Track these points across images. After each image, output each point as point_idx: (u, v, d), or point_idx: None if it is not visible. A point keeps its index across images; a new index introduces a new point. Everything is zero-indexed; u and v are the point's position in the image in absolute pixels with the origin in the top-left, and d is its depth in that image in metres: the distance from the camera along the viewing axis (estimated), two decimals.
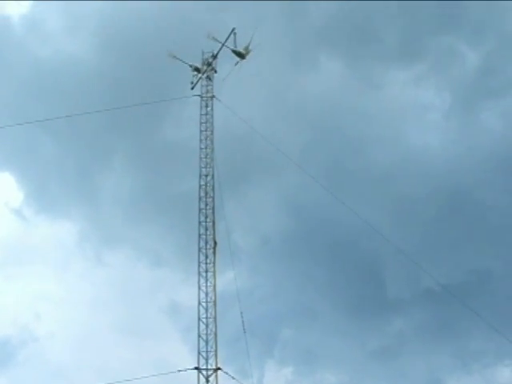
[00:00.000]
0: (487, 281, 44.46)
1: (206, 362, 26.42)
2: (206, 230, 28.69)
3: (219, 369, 26.31)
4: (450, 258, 43.90)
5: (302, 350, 44.10)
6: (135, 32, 46.63)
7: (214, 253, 28.25)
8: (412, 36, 52.93)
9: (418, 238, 43.82)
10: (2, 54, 49.48)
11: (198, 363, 26.38)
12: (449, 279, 38.42)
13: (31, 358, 45.99)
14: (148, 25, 46.62)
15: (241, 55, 31.94)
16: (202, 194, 29.40)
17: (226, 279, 29.29)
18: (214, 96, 31.45)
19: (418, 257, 33.08)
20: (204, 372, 26.21)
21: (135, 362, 41.72)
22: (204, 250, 28.31)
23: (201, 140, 30.48)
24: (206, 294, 27.56)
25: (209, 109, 31.12)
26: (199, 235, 28.61)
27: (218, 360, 26.45)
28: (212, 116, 30.96)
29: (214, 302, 27.45)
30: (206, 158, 30.09)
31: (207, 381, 26.07)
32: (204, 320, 27.12)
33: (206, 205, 29.19)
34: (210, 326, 26.99)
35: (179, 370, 26.11)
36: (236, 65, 31.88)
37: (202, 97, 31.50)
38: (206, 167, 29.91)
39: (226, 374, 26.30)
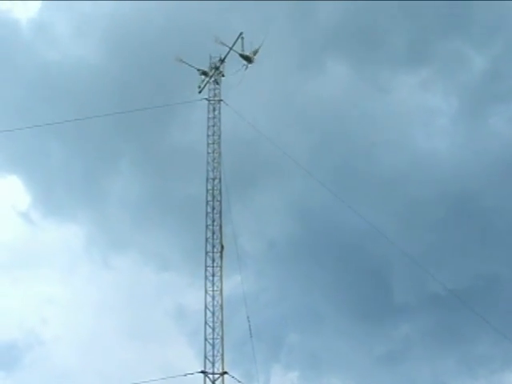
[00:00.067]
0: (494, 286, 44.29)
1: (213, 366, 26.44)
2: (213, 233, 28.74)
3: (226, 373, 26.34)
4: (457, 262, 43.83)
5: (308, 354, 44.04)
6: (143, 36, 46.79)
7: (221, 257, 28.28)
8: (419, 40, 52.90)
9: (424, 242, 43.73)
10: (11, 58, 49.75)
11: (205, 367, 26.39)
12: (456, 284, 38.27)
13: (37, 362, 46.06)
14: (156, 29, 46.84)
15: (248, 59, 32.03)
16: (209, 198, 29.45)
17: (233, 283, 29.33)
18: (221, 100, 31.54)
19: (425, 261, 33.12)
20: (211, 376, 26.24)
21: (141, 366, 41.62)
22: (211, 254, 28.36)
23: (208, 144, 30.57)
24: (213, 298, 27.59)
25: (216, 112, 31.21)
26: (206, 239, 28.67)
27: (225, 364, 26.51)
28: (219, 120, 31.05)
29: (221, 305, 27.48)
30: (213, 161, 30.16)
31: None
32: (211, 324, 27.15)
33: (213, 209, 29.23)
34: (217, 330, 27.03)
35: (188, 374, 26.14)
36: (245, 69, 32.00)
37: (209, 100, 31.60)
38: (213, 171, 29.97)
39: (233, 377, 26.35)
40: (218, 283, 27.86)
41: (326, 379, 44.05)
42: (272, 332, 42.05)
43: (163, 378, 26.21)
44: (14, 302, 46.07)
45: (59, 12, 53.18)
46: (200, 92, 32.24)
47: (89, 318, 46.46)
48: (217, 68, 32.27)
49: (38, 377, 44.18)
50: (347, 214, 32.07)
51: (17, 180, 54.13)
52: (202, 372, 26.23)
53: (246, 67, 32.04)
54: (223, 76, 32.26)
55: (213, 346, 26.74)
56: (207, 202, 29.42)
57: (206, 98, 31.73)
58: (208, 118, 31.16)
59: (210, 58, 32.53)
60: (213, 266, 28.14)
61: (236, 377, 26.41)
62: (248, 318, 27.68)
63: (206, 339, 26.92)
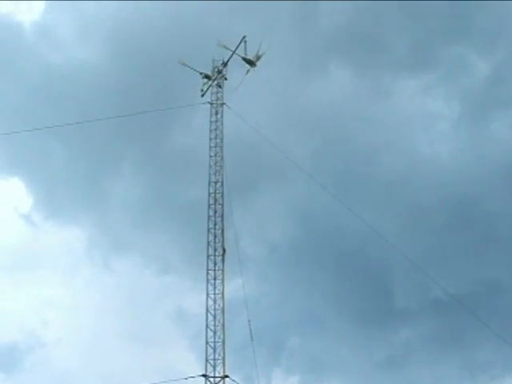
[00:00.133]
0: (496, 291, 44.23)
1: (214, 370, 26.42)
2: (215, 237, 28.73)
3: (227, 376, 26.31)
4: (459, 267, 43.77)
5: (309, 358, 44.04)
6: (146, 39, 46.90)
7: (223, 260, 28.28)
8: (422, 45, 52.88)
9: (426, 247, 43.69)
10: (14, 61, 49.88)
11: (206, 370, 26.38)
12: (457, 289, 38.08)
13: (38, 364, 46.13)
14: (158, 32, 46.91)
15: (251, 63, 32.07)
16: (211, 202, 29.45)
17: (234, 286, 29.32)
18: (224, 103, 31.57)
19: (426, 266, 33.10)
20: (212, 379, 26.23)
21: (142, 369, 41.65)
22: (213, 257, 28.35)
23: (210, 147, 30.59)
24: (215, 301, 27.57)
25: (219, 116, 31.24)
26: (208, 242, 28.67)
27: (226, 367, 26.47)
28: (222, 123, 31.06)
29: (222, 309, 27.46)
30: (215, 165, 30.17)
31: None
32: (212, 327, 27.14)
33: (215, 212, 29.24)
34: (218, 333, 27.01)
35: (189, 377, 26.09)
36: (247, 73, 32.02)
37: (212, 104, 31.63)
38: (215, 174, 29.98)
39: (234, 381, 26.34)
40: (219, 286, 27.86)
41: (327, 383, 44.09)
42: (273, 336, 42.10)
43: (164, 382, 26.16)
44: (15, 304, 46.25)
45: (62, 14, 53.39)
46: (203, 95, 32.30)
47: (90, 320, 46.57)
48: (219, 71, 32.32)
49: (38, 379, 44.28)
50: (349, 218, 32.10)
51: (19, 182, 54.28)
52: (203, 375, 26.21)
53: (248, 71, 32.08)
54: (226, 79, 32.32)
55: (214, 349, 26.73)
56: (209, 205, 29.44)
57: (208, 102, 31.76)
58: (210, 121, 31.20)
59: (213, 61, 32.62)
60: (214, 270, 28.13)
61: (237, 380, 26.43)
62: (249, 321, 27.67)
63: (207, 342, 26.91)
